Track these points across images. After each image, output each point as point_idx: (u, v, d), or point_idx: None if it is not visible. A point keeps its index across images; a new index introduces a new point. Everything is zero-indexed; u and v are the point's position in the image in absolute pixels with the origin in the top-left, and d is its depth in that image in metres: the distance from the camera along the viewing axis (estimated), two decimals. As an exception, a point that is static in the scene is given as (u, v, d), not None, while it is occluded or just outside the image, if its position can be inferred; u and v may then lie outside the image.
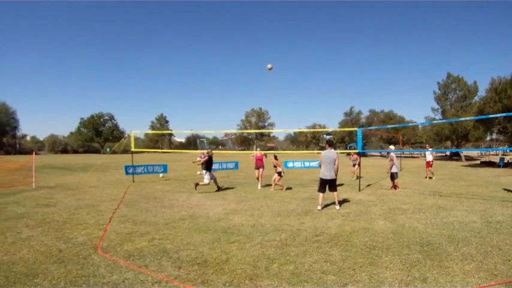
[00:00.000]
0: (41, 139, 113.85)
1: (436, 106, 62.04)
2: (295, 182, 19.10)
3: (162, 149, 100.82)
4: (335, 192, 11.07)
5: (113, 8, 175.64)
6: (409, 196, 13.89)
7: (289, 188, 15.86)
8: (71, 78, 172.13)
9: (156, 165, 23.14)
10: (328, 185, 11.00)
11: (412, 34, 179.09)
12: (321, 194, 11.00)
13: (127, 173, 20.63)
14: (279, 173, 15.27)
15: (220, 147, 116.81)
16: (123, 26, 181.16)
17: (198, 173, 23.42)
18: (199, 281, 5.14)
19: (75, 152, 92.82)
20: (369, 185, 17.71)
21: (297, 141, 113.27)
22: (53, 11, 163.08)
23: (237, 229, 8.36)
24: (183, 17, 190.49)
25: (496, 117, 31.44)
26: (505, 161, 34.23)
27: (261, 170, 16.87)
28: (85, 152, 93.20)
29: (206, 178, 14.95)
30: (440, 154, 65.85)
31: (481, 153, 60.39)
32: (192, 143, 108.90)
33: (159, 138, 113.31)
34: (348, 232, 8.12)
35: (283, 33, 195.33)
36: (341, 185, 16.53)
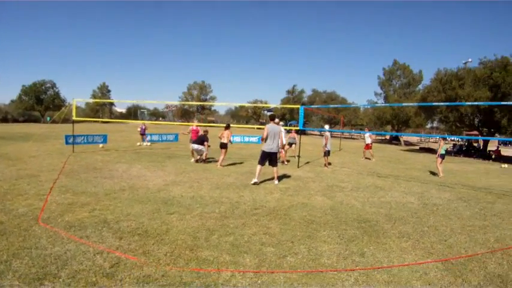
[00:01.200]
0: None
1: (380, 91, 63.97)
2: (235, 156, 19.15)
3: (102, 118, 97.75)
4: (275, 168, 11.14)
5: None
6: (348, 175, 14.18)
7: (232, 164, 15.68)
8: (12, 44, 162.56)
9: (96, 135, 23.19)
10: (270, 159, 11.08)
11: (361, 19, 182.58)
12: (260, 167, 10.98)
13: (67, 142, 20.30)
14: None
15: (160, 119, 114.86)
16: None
17: (138, 144, 24.33)
18: (140, 252, 5.16)
19: (15, 120, 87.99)
20: (307, 163, 17.88)
21: (238, 116, 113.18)
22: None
23: (177, 200, 8.37)
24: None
25: (438, 106, 32.82)
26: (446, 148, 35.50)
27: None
28: (25, 121, 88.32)
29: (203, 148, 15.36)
30: (380, 137, 68.17)
31: (421, 140, 62.94)
32: (132, 113, 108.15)
33: (100, 108, 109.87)
34: (287, 206, 8.27)
35: (230, 7, 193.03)
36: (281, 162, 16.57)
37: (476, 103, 18.34)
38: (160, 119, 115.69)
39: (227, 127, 15.19)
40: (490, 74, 30.14)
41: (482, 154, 32.93)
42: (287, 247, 5.58)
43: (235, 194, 9.39)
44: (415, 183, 13.20)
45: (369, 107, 67.87)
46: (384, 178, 13.96)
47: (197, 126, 18.48)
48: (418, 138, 65.70)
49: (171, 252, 5.18)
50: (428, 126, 64.00)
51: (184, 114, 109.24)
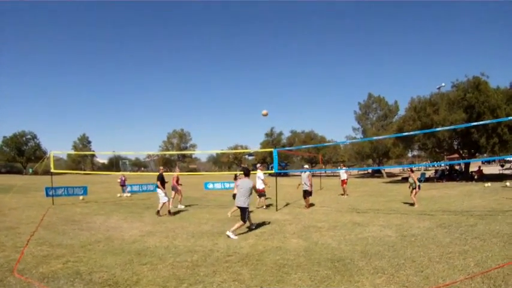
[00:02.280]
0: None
1: (357, 126, 64.75)
2: (214, 203, 19.14)
3: (84, 170, 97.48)
4: (240, 222, 10.51)
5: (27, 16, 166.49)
6: (326, 214, 14.03)
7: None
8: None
9: (76, 187, 23.37)
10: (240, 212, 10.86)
11: (332, 55, 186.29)
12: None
13: (47, 194, 20.30)
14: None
15: (142, 168, 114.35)
16: (42, 40, 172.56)
17: (118, 195, 24.21)
18: None
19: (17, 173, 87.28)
20: (287, 205, 17.72)
21: (219, 162, 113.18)
22: None
23: (151, 251, 8.41)
24: (97, 32, 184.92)
25: (416, 135, 33.14)
26: (426, 176, 36.07)
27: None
28: (8, 172, 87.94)
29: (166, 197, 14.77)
30: (362, 172, 68.35)
31: (403, 170, 63.34)
32: (114, 164, 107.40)
33: (81, 159, 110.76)
34: (260, 251, 8.17)
35: (203, 54, 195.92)
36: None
37: (450, 127, 18.65)
38: (142, 169, 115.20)
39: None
40: (463, 96, 30.74)
41: (465, 176, 33.16)
42: (257, 293, 5.32)
43: (209, 241, 9.35)
44: (395, 215, 13.10)
45: (346, 143, 68.36)
46: (363, 213, 13.84)
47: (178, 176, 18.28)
48: (400, 168, 66.05)
49: (139, 303, 5.08)
50: (410, 154, 64.54)
51: (166, 163, 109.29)
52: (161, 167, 16.17)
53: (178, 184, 17.66)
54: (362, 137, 60.85)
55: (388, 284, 5.63)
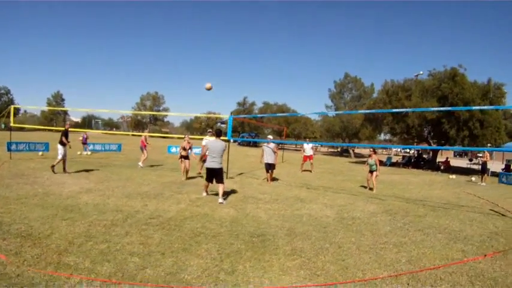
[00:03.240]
0: None
1: (330, 103, 64.23)
2: (169, 166, 19.12)
3: (56, 127, 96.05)
4: (220, 184, 10.29)
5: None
6: (275, 187, 13.56)
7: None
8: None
9: (38, 143, 23.73)
10: (215, 175, 10.42)
11: (312, 30, 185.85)
12: (205, 183, 10.75)
13: (8, 149, 20.45)
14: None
15: (114, 129, 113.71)
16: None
17: (79, 153, 24.22)
18: (13, 252, 5.27)
19: None
20: (241, 174, 17.29)
21: (192, 127, 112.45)
22: None
23: (79, 207, 8.34)
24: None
25: (385, 118, 33.16)
26: (392, 160, 36.08)
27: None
28: None
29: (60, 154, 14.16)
30: (332, 150, 68.23)
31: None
32: (87, 123, 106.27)
33: (54, 117, 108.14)
34: (184, 217, 7.91)
35: (178, 21, 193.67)
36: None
37: (420, 109, 17.94)
38: (114, 129, 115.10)
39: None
40: (438, 86, 30.36)
41: (432, 166, 33.02)
42: (154, 259, 5.29)
43: (140, 203, 9.20)
44: (344, 195, 12.62)
45: (315, 115, 67.69)
46: (312, 190, 13.35)
47: (145, 136, 19.36)
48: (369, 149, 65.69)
49: (40, 255, 5.22)
50: (382, 138, 64.42)
51: (138, 124, 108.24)
52: (68, 123, 15.66)
53: (145, 144, 18.49)
54: (334, 115, 60.32)
55: (300, 268, 5.10)
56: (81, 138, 25.90)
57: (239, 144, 64.40)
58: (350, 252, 6.03)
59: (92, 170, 15.43)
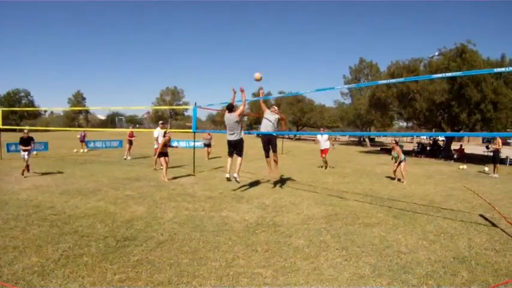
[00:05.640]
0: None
1: (346, 90, 62.53)
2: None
3: (80, 127, 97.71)
4: (239, 158, 11.11)
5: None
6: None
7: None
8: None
9: (38, 142, 23.45)
10: (234, 147, 11.08)
11: (323, 18, 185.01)
12: (229, 159, 11.16)
13: (8, 150, 21.83)
14: None
15: (137, 125, 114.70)
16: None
17: (75, 150, 25.70)
18: None
19: None
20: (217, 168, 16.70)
21: (216, 121, 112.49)
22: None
23: (5, 202, 8.86)
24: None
25: (391, 103, 31.81)
26: (404, 149, 33.93)
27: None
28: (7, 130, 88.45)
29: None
30: (353, 138, 66.51)
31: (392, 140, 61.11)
32: (110, 120, 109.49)
33: (76, 116, 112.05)
34: (86, 215, 7.87)
35: (203, 17, 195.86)
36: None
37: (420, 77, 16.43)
38: (137, 125, 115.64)
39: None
40: (448, 65, 27.74)
41: (446, 154, 30.98)
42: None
43: (66, 199, 9.46)
44: (291, 189, 11.80)
45: (329, 102, 65.82)
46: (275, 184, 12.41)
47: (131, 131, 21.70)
48: (392, 138, 63.65)
49: None
50: (402, 125, 61.90)
51: (159, 120, 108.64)
52: (26, 130, 14.77)
53: (130, 138, 20.93)
54: (351, 102, 58.67)
55: None
56: (78, 136, 26.61)
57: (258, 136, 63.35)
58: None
59: (66, 167, 16.07)
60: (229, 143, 10.94)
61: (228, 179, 10.77)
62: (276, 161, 11.63)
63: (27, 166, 13.67)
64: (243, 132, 11.03)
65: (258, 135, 15.60)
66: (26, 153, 13.82)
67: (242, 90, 10.75)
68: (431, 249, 6.14)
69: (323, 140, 18.56)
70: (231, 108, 11.02)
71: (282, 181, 13.33)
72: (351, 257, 5.68)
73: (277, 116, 11.43)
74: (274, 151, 11.46)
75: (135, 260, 5.29)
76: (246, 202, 9.52)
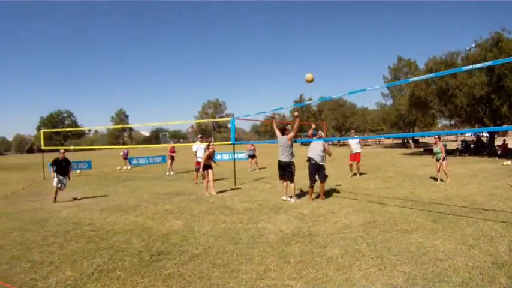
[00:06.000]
0: (10, 140, 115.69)
1: (387, 91, 61.38)
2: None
3: (124, 144, 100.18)
4: (287, 182, 11.22)
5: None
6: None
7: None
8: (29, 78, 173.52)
9: (81, 161, 25.89)
10: (283, 169, 11.23)
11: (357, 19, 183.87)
12: (282, 182, 11.55)
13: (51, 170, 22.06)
14: None
15: (181, 140, 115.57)
16: (72, 23, 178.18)
17: (118, 168, 26.56)
18: None
19: (41, 151, 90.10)
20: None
21: (260, 132, 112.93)
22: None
23: (46, 220, 9.52)
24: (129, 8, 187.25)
25: (431, 101, 31.06)
26: (447, 147, 32.94)
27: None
28: (40, 151, 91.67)
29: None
30: (397, 140, 65.20)
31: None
32: (154, 136, 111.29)
33: (120, 134, 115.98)
34: (123, 231, 8.09)
35: (239, 28, 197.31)
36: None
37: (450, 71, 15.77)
38: (182, 140, 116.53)
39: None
40: (484, 56, 26.13)
41: (490, 151, 29.69)
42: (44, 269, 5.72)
43: (105, 215, 9.78)
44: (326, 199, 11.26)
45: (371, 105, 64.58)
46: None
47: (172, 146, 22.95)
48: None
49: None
50: (447, 123, 59.86)
51: (203, 133, 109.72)
52: (62, 150, 13.38)
53: (172, 153, 21.64)
54: (392, 102, 57.46)
55: None
56: (121, 153, 27.81)
57: (302, 144, 63.32)
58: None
59: (109, 184, 16.78)
60: (279, 163, 11.16)
61: (285, 200, 11.02)
62: (323, 191, 11.22)
63: (57, 192, 12.38)
64: (293, 156, 11.05)
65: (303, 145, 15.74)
66: (57, 180, 12.40)
67: (296, 117, 10.90)
68: (469, 255, 5.81)
69: (354, 143, 17.72)
70: (283, 130, 11.45)
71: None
72: (385, 266, 5.47)
73: (323, 148, 11.30)
74: (322, 182, 11.14)
75: (166, 273, 5.37)
76: (284, 213, 9.45)
